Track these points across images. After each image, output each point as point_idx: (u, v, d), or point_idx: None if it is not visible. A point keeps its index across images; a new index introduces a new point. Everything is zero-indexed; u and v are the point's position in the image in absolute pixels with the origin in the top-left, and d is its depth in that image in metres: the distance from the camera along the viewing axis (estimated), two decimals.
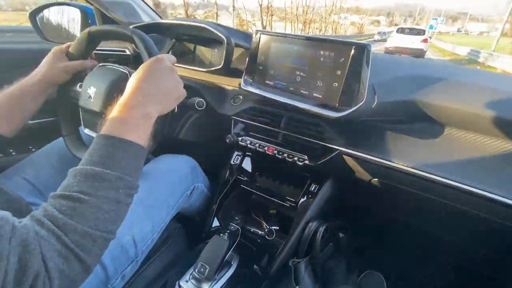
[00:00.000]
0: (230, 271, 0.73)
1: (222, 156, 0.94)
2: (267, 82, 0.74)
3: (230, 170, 0.91)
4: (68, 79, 0.67)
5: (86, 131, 0.67)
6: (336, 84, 0.62)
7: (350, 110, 0.60)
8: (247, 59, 0.76)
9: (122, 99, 0.46)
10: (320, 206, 0.80)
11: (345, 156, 0.70)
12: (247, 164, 0.92)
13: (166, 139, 0.61)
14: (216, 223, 0.85)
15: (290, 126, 0.75)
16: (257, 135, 0.81)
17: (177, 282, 0.69)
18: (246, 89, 0.76)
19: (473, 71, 0.89)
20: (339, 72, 0.61)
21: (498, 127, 0.56)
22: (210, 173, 0.90)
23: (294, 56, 0.68)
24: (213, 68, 0.85)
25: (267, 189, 0.87)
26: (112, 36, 0.65)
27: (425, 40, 11.57)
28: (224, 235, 0.73)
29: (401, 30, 12.35)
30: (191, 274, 0.69)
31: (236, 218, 0.89)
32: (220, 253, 0.68)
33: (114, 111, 0.44)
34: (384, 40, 25.35)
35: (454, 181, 0.58)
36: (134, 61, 1.03)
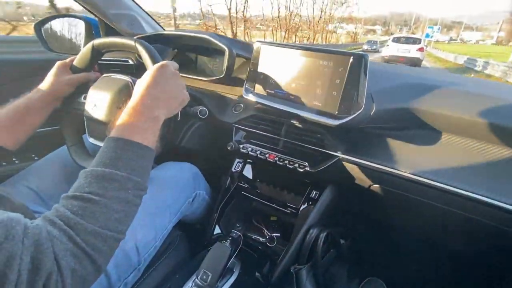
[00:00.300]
0: (232, 278, 0.73)
1: (223, 164, 0.95)
2: (267, 90, 0.76)
3: (231, 177, 0.92)
4: (72, 91, 0.69)
5: (91, 140, 0.68)
6: (335, 93, 0.64)
7: (349, 118, 0.62)
8: (248, 68, 0.78)
9: (131, 104, 0.47)
10: (321, 213, 0.80)
11: (344, 163, 0.71)
12: (248, 171, 0.93)
13: (169, 147, 0.62)
14: (217, 230, 0.86)
15: (290, 133, 0.77)
16: (258, 142, 0.83)
17: None
18: (247, 97, 0.78)
19: (468, 79, 0.92)
20: (338, 81, 0.63)
21: (493, 133, 0.57)
22: (211, 180, 0.91)
23: (294, 66, 0.70)
24: (215, 78, 0.87)
25: (268, 196, 0.88)
26: (116, 48, 0.67)
27: (421, 49, 11.73)
28: (226, 242, 0.73)
29: (397, 39, 12.52)
30: (193, 281, 0.69)
31: (238, 225, 0.89)
32: (222, 260, 0.69)
33: (123, 115, 0.45)
34: (375, 50, 23.80)
35: (452, 186, 0.59)
36: (137, 71, 1.05)
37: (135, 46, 0.62)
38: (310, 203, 0.81)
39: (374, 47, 26.28)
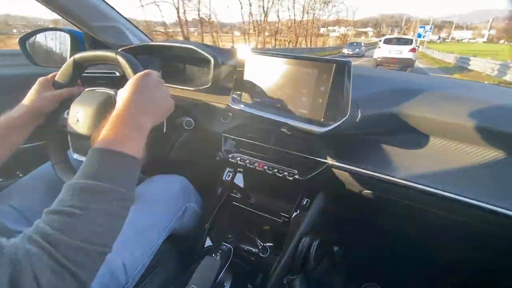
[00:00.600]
0: None
1: (213, 174, 0.94)
2: (254, 99, 0.75)
3: (222, 186, 0.91)
4: (56, 107, 0.67)
5: (76, 156, 0.67)
6: (321, 100, 0.63)
7: (335, 125, 0.61)
8: (235, 77, 0.78)
9: (115, 113, 0.46)
10: (312, 220, 0.79)
11: (334, 169, 0.70)
12: (239, 180, 0.92)
13: (157, 158, 0.61)
14: (208, 242, 0.84)
15: (279, 141, 0.76)
16: (247, 151, 0.82)
17: None
18: (235, 106, 0.77)
19: (454, 82, 0.92)
20: (322, 88, 0.63)
21: (479, 135, 0.57)
22: (202, 190, 0.89)
23: (280, 74, 0.69)
24: (202, 87, 0.86)
25: (259, 205, 0.87)
26: (97, 61, 0.66)
27: (413, 50, 11.72)
28: (216, 256, 0.72)
29: (388, 41, 12.45)
30: None
31: (230, 236, 0.87)
32: (212, 274, 0.67)
33: (107, 125, 0.44)
34: (358, 54, 19.40)
35: (441, 190, 0.58)
36: (124, 82, 1.03)
37: (116, 58, 0.61)
38: (302, 210, 0.80)
39: (357, 50, 20.24)
